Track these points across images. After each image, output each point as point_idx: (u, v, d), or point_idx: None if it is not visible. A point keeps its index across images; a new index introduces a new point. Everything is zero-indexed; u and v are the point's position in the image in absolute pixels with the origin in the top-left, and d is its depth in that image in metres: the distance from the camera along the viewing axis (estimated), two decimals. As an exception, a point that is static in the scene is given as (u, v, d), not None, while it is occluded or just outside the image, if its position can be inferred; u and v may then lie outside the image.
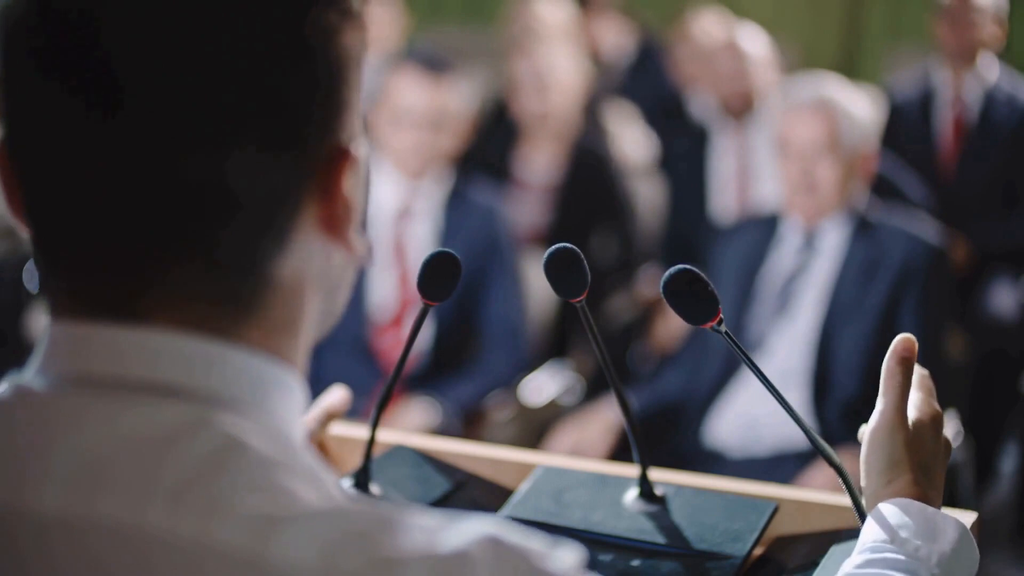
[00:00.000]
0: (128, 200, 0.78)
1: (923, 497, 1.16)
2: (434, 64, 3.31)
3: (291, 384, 0.84)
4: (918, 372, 1.24)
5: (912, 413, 1.21)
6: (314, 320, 0.87)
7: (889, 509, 1.15)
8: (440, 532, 0.75)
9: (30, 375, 0.82)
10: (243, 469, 0.76)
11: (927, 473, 1.18)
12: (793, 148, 3.04)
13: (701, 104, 5.05)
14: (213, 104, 0.78)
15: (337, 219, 0.84)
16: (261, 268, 0.81)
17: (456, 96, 3.40)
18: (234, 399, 0.80)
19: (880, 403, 1.21)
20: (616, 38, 6.09)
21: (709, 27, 5.20)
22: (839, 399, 2.95)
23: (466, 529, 0.76)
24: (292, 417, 0.84)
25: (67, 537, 0.75)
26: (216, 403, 0.79)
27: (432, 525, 0.76)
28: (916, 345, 1.22)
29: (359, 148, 0.85)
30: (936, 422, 1.21)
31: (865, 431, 1.20)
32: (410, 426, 3.13)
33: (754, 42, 4.39)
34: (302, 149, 0.81)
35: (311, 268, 0.84)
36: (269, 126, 0.79)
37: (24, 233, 0.85)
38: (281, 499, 0.75)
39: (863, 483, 1.20)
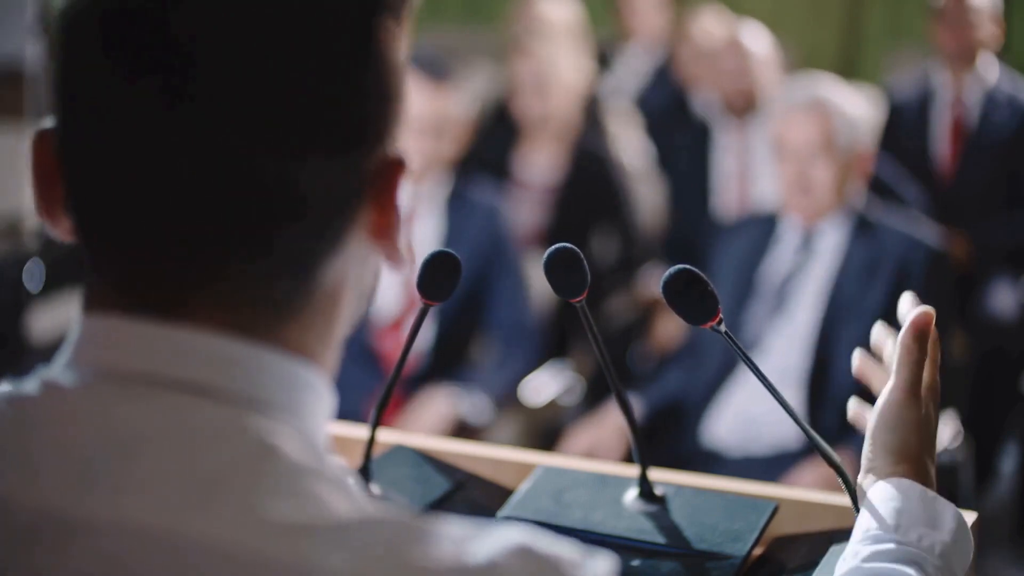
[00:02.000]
0: (195, 196, 0.77)
1: (926, 479, 1.15)
2: (435, 71, 3.32)
3: (321, 389, 0.84)
4: (931, 341, 1.21)
5: (924, 392, 1.19)
6: (347, 323, 0.87)
7: (889, 491, 1.14)
8: (470, 542, 0.75)
9: (58, 369, 0.81)
10: (275, 475, 0.75)
11: (930, 452, 1.17)
12: (788, 149, 3.05)
13: (703, 104, 5.04)
14: (285, 101, 0.77)
15: (388, 226, 0.84)
16: (311, 273, 0.81)
17: (457, 102, 3.40)
18: (267, 402, 0.79)
19: (893, 379, 1.19)
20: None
21: (710, 26, 5.20)
22: (835, 399, 2.95)
23: (496, 538, 0.75)
24: (321, 422, 0.84)
25: (100, 540, 0.74)
26: (249, 405, 0.79)
27: (462, 535, 0.75)
28: (934, 319, 1.19)
29: (407, 158, 0.85)
30: (936, 396, 1.20)
31: (875, 406, 1.19)
32: (434, 418, 3.14)
33: (757, 40, 4.40)
34: (364, 155, 0.81)
35: (351, 277, 0.85)
36: (337, 129, 0.79)
37: (52, 228, 0.84)
38: (312, 507, 0.74)
39: (867, 458, 1.18)
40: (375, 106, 0.82)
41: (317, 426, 0.83)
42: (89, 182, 0.80)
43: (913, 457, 1.16)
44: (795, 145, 3.04)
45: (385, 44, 0.82)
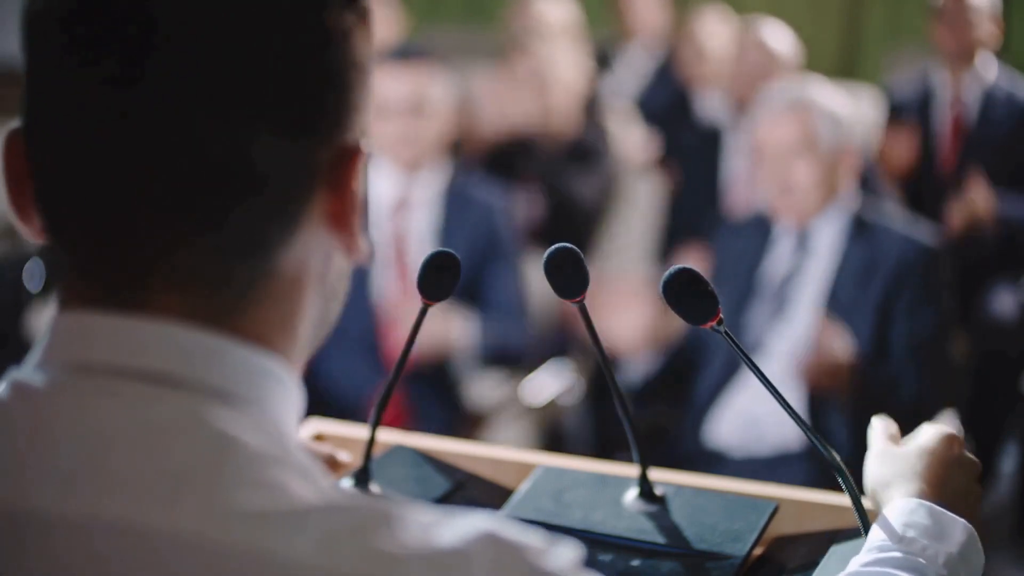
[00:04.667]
0: (145, 171, 0.79)
1: (932, 499, 1.17)
2: (405, 52, 3.34)
3: (286, 380, 0.84)
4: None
5: (913, 436, 1.26)
6: (311, 322, 0.87)
7: (897, 509, 1.16)
8: (437, 528, 0.75)
9: (29, 370, 0.82)
10: (237, 465, 0.76)
11: (937, 481, 1.20)
12: (767, 152, 3.07)
13: (709, 103, 5.04)
14: (239, 79, 0.79)
15: (344, 214, 0.85)
16: (265, 254, 0.82)
17: (434, 80, 3.40)
18: (229, 392, 0.80)
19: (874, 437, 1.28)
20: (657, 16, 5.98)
21: (715, 26, 5.19)
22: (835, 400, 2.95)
23: (464, 525, 0.76)
24: (287, 414, 0.84)
25: (69, 535, 0.75)
26: (211, 395, 0.79)
27: (429, 520, 0.76)
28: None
29: (366, 148, 0.86)
30: (942, 437, 1.24)
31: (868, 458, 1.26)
32: (447, 333, 3.16)
33: (780, 40, 4.44)
34: (318, 139, 0.83)
35: (312, 264, 0.85)
36: (291, 110, 0.81)
37: (25, 231, 0.86)
38: (276, 495, 0.75)
39: (874, 504, 1.23)
40: (330, 92, 0.83)
41: (283, 418, 0.84)
42: (51, 172, 0.82)
43: (916, 483, 1.20)
44: (774, 147, 3.05)
45: (340, 34, 0.83)
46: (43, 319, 3.88)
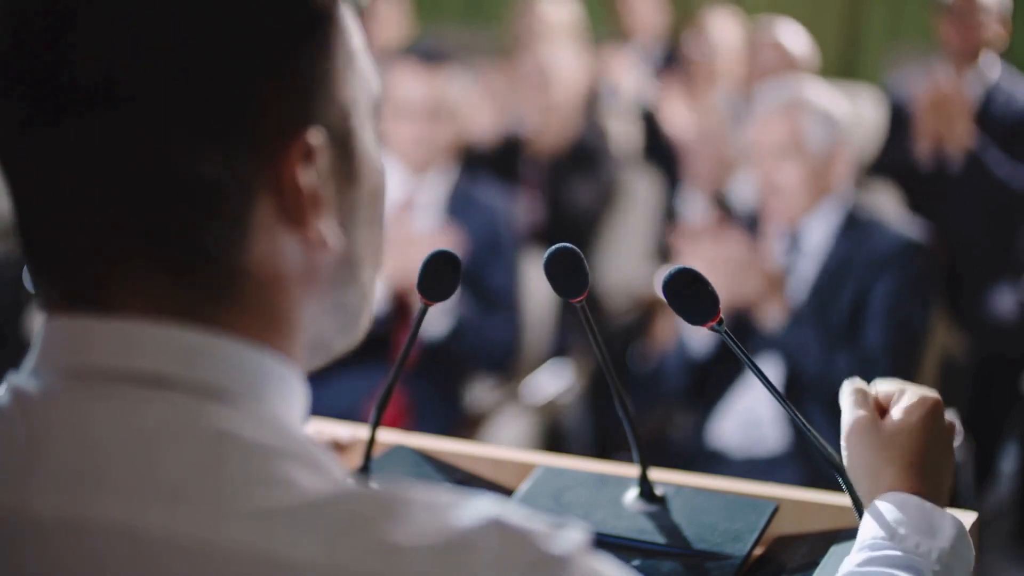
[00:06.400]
0: (77, 189, 0.79)
1: (919, 490, 1.16)
2: (430, 55, 3.34)
3: (285, 375, 0.84)
4: (892, 381, 1.25)
5: (898, 410, 1.21)
6: (314, 320, 0.86)
7: (886, 505, 1.15)
8: (443, 514, 0.75)
9: (24, 376, 0.82)
10: (238, 462, 0.76)
11: (922, 465, 1.18)
12: (757, 152, 3.08)
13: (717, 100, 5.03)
14: (162, 88, 0.77)
15: (292, 210, 0.82)
16: (223, 257, 0.81)
17: (454, 86, 3.40)
18: (223, 389, 0.80)
19: (844, 413, 1.23)
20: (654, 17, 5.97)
21: (727, 24, 5.18)
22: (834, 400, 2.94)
23: (470, 511, 0.75)
24: (289, 408, 0.84)
25: (67, 539, 0.75)
26: (205, 394, 0.79)
27: (435, 504, 0.75)
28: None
29: (318, 138, 0.82)
30: (930, 411, 1.21)
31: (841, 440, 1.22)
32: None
33: (797, 41, 4.47)
34: (251, 138, 0.80)
35: (285, 262, 0.83)
36: (220, 113, 0.79)
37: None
38: (279, 489, 0.74)
39: (858, 486, 1.21)
40: (262, 88, 0.80)
41: (284, 411, 0.83)
42: (13, 193, 0.83)
43: (891, 467, 1.17)
44: (763, 148, 3.06)
45: (286, 24, 0.81)
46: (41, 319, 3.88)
